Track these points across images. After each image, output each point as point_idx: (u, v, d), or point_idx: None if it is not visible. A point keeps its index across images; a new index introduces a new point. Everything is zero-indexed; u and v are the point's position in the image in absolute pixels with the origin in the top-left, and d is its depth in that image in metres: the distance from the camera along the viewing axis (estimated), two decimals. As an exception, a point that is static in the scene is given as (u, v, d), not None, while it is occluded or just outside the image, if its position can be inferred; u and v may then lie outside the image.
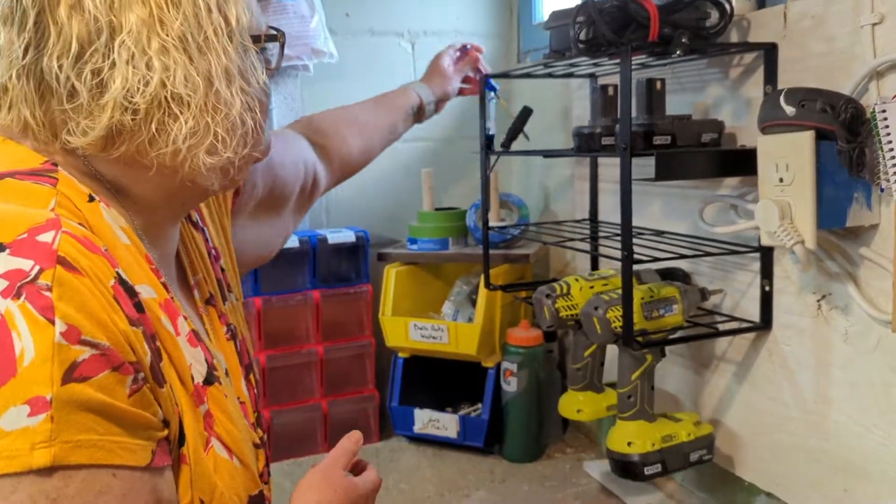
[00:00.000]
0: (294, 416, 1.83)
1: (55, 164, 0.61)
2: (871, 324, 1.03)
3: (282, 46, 0.73)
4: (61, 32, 0.57)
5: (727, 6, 1.15)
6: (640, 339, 1.14)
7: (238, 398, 0.73)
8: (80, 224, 0.57)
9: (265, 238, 0.99)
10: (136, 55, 0.58)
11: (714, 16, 1.17)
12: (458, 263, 1.94)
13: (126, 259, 0.60)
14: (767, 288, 1.19)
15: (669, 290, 1.21)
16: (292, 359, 1.82)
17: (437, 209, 1.94)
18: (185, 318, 0.66)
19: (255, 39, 0.67)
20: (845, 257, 1.05)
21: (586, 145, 1.26)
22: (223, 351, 0.75)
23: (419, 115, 1.31)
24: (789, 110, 0.96)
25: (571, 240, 1.38)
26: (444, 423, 1.80)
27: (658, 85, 1.18)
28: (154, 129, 0.60)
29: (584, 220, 1.66)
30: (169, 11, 0.59)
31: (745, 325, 1.23)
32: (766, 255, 1.18)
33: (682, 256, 1.16)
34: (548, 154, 1.33)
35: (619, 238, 1.39)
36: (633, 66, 1.12)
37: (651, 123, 1.14)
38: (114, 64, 0.57)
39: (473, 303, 1.94)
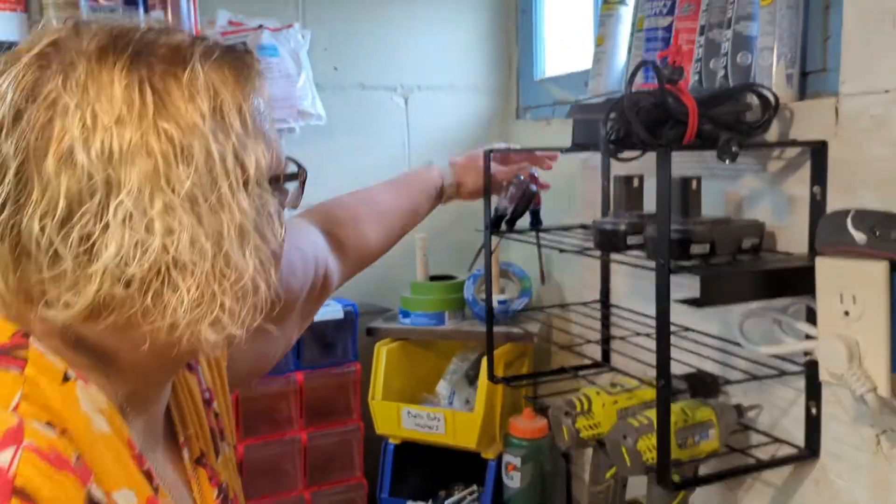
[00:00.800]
0: (274, 511, 1.67)
1: (27, 335, 0.53)
2: (943, 471, 0.90)
3: (302, 183, 0.64)
4: (47, 188, 0.49)
5: (771, 99, 1.02)
6: (676, 477, 1.00)
7: None
8: (48, 424, 0.49)
9: (263, 354, 0.87)
10: (134, 216, 0.50)
11: (755, 105, 1.05)
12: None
13: (103, 459, 0.52)
14: (814, 410, 1.06)
15: (705, 413, 1.07)
16: (273, 447, 1.66)
17: (431, 277, 1.80)
18: None
19: (274, 180, 0.58)
20: (913, 393, 0.93)
21: (609, 243, 1.13)
22: None
23: (440, 196, 1.17)
24: (859, 237, 0.84)
25: (588, 342, 1.25)
26: (440, 519, 1.66)
27: (694, 184, 1.05)
28: (149, 300, 0.51)
29: (594, 301, 1.53)
30: (178, 166, 0.51)
31: (786, 448, 1.10)
32: (813, 373, 1.05)
33: (728, 382, 1.03)
34: (564, 249, 1.19)
35: (642, 335, 1.25)
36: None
37: (688, 230, 1.01)
38: (107, 227, 0.49)
39: (471, 380, 1.79)
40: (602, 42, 1.48)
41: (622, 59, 1.46)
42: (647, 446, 1.02)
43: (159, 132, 0.50)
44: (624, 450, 1.03)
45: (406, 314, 1.74)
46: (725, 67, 1.17)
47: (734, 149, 0.90)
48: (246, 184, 0.54)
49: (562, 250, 1.19)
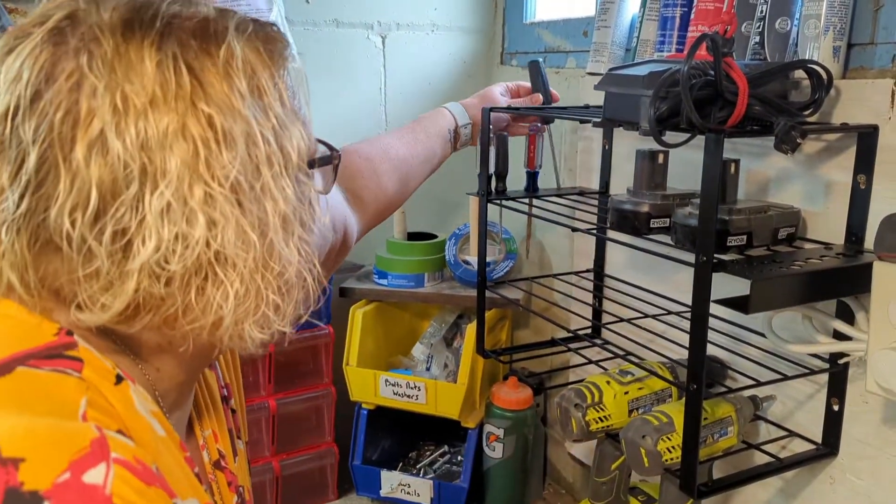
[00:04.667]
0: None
1: (70, 333, 0.48)
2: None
3: (335, 168, 0.60)
4: (76, 179, 0.44)
5: (825, 77, 0.93)
6: (703, 487, 0.95)
7: None
8: (120, 433, 0.44)
9: None
10: (174, 207, 0.45)
11: (802, 83, 0.96)
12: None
13: (169, 466, 0.48)
14: (836, 407, 1.02)
15: (725, 409, 1.02)
16: (240, 415, 1.56)
17: (409, 235, 1.69)
18: None
19: (310, 165, 0.55)
20: (954, 402, 0.88)
21: (629, 226, 1.04)
22: None
23: (455, 139, 1.09)
24: (931, 245, 0.76)
25: (588, 341, 1.17)
26: (416, 489, 1.59)
27: (732, 168, 0.96)
28: (191, 298, 0.47)
29: (586, 270, 1.45)
30: (219, 152, 0.46)
31: (802, 443, 1.05)
32: (841, 372, 1.00)
33: (758, 383, 0.97)
34: (577, 229, 1.09)
35: (650, 316, 1.18)
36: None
37: (726, 220, 0.92)
38: (144, 220, 0.45)
39: (448, 343, 1.71)
40: (612, -10, 1.35)
41: (633, 10, 1.34)
42: (667, 447, 0.96)
43: (198, 115, 0.46)
44: (643, 451, 0.97)
45: (383, 275, 1.63)
46: (761, 33, 1.07)
47: (798, 139, 0.81)
48: (287, 169, 0.50)
49: (574, 229, 1.10)
